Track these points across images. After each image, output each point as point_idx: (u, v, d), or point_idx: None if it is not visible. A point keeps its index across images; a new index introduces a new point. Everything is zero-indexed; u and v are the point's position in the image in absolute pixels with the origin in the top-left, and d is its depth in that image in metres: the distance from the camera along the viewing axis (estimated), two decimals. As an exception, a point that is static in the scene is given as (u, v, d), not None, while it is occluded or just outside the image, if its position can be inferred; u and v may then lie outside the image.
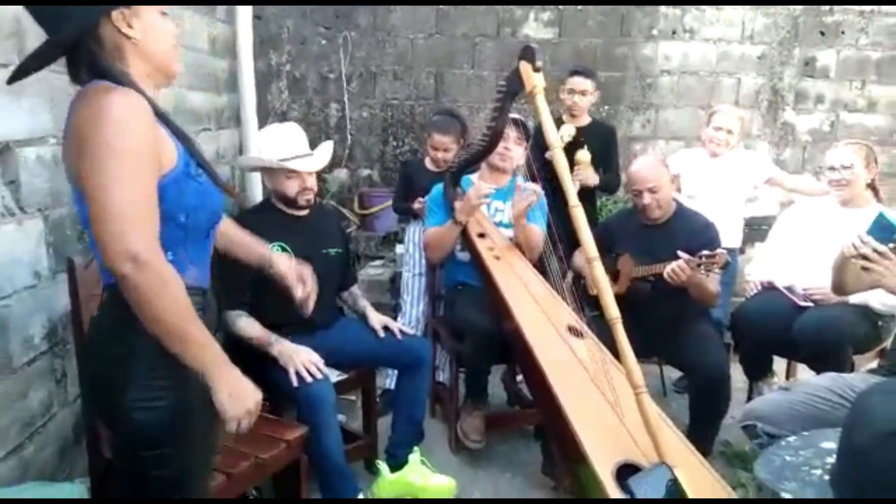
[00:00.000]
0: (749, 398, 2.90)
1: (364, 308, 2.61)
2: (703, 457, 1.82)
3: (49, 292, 1.91)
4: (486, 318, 2.50)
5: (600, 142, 3.40)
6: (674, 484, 1.55)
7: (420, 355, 2.51)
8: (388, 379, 3.08)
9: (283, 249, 2.36)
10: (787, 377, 3.03)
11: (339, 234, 2.66)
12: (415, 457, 2.35)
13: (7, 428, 1.75)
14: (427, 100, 4.52)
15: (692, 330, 2.64)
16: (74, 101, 1.21)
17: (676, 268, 2.43)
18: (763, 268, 3.08)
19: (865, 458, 0.93)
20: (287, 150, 2.38)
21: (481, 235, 2.70)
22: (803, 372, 2.90)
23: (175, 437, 1.28)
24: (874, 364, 2.69)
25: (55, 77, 1.64)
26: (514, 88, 2.26)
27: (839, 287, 2.27)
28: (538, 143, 2.89)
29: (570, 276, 2.96)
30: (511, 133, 2.67)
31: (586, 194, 3.17)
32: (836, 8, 4.49)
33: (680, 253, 2.44)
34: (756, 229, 3.71)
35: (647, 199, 2.64)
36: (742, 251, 3.63)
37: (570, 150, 3.15)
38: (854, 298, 2.48)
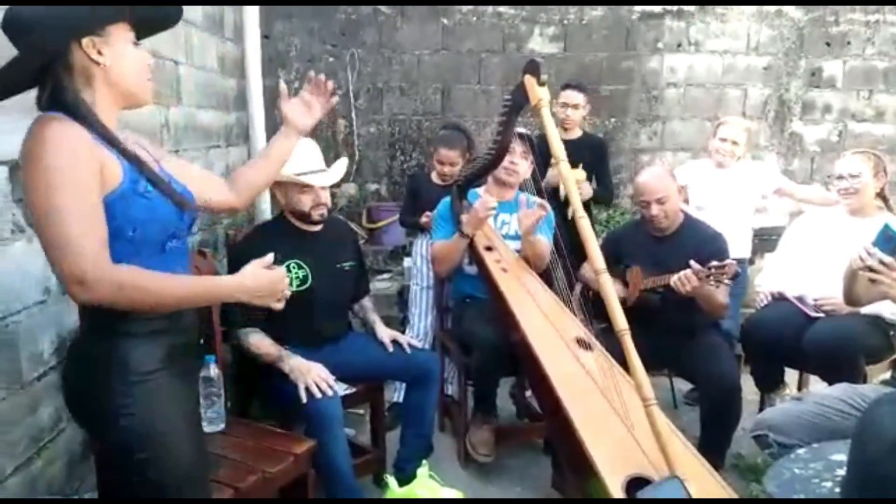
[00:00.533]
0: (760, 410, 2.87)
1: (373, 322, 2.61)
2: (714, 470, 1.80)
3: (58, 308, 1.92)
4: (494, 331, 2.50)
5: (592, 155, 3.42)
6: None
7: (428, 369, 2.51)
8: (396, 392, 3.07)
9: (299, 267, 2.37)
10: (799, 388, 3.00)
11: (353, 246, 2.66)
12: (423, 471, 2.34)
13: (16, 442, 1.76)
14: (434, 115, 4.55)
15: (702, 341, 2.62)
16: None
17: (683, 276, 2.41)
18: (773, 278, 3.06)
19: (874, 469, 0.92)
20: (302, 165, 2.38)
21: (488, 248, 2.70)
22: (815, 383, 2.87)
23: (158, 441, 1.31)
24: (887, 375, 2.66)
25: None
26: (519, 102, 2.27)
27: (851, 299, 2.25)
28: (542, 154, 2.90)
29: (578, 287, 2.95)
30: (517, 147, 2.68)
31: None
32: (841, 18, 4.50)
33: (691, 263, 2.42)
34: (765, 240, 3.69)
35: (655, 210, 2.64)
36: (751, 262, 3.61)
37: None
38: (866, 308, 2.46)
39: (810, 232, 2.95)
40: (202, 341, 1.58)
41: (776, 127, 4.64)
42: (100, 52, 1.29)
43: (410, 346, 2.52)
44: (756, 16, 4.50)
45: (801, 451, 1.37)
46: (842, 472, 1.14)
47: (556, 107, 3.41)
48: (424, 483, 2.31)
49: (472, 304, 2.80)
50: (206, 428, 2.03)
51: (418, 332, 3.21)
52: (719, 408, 2.52)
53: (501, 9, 4.45)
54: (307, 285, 2.37)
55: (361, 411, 2.89)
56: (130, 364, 1.31)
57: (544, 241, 2.68)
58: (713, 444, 2.49)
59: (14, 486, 1.73)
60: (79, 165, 1.22)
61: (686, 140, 4.64)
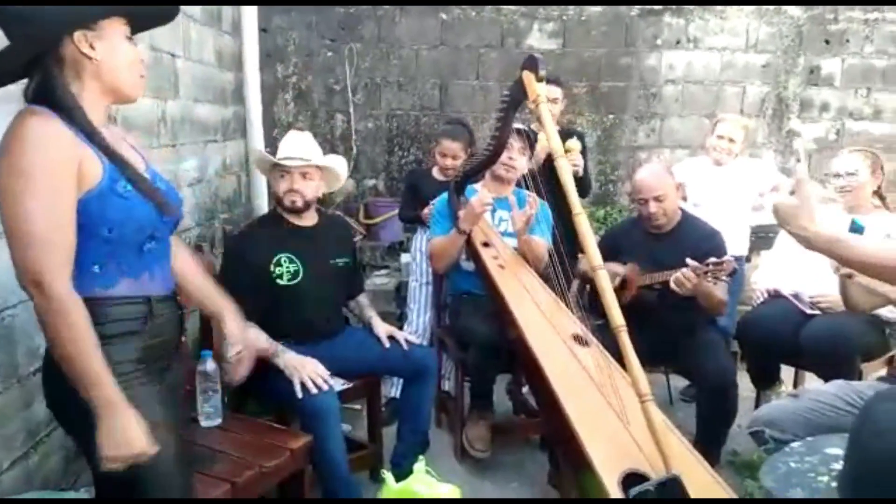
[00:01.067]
0: (756, 406, 2.88)
1: (370, 318, 2.61)
2: (710, 466, 1.81)
3: (55, 302, 1.91)
4: (491, 328, 2.50)
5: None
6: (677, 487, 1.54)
7: (425, 364, 2.51)
8: (393, 388, 3.07)
9: (291, 261, 2.37)
10: (795, 385, 3.01)
11: (347, 243, 2.66)
12: (420, 466, 2.34)
13: (12, 437, 1.76)
14: (432, 110, 4.54)
15: (699, 338, 2.63)
16: None
17: (681, 276, 2.41)
18: (769, 276, 3.06)
19: (873, 466, 0.92)
20: (287, 151, 2.39)
21: (485, 244, 2.70)
22: (811, 380, 2.87)
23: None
24: (882, 372, 2.66)
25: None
26: (517, 98, 2.27)
27: (850, 306, 2.27)
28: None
29: (575, 284, 2.96)
30: (515, 143, 2.68)
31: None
32: (840, 16, 4.50)
33: (688, 260, 2.42)
34: (762, 237, 3.69)
35: (653, 207, 2.64)
36: (748, 259, 3.62)
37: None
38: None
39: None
40: (182, 339, 1.56)
41: (774, 125, 4.64)
42: (92, 47, 1.28)
43: (407, 341, 2.53)
44: (755, 13, 4.49)
45: (795, 444, 1.37)
46: (837, 465, 1.14)
47: None
48: (421, 478, 2.32)
49: (470, 300, 2.80)
50: (203, 423, 2.04)
51: (416, 327, 3.21)
52: (715, 404, 2.52)
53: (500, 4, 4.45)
54: (298, 279, 2.37)
55: (358, 406, 2.89)
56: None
57: (542, 242, 2.68)
58: (709, 441, 2.50)
59: (10, 481, 1.74)
60: (54, 166, 1.21)
61: (684, 137, 4.64)
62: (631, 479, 1.67)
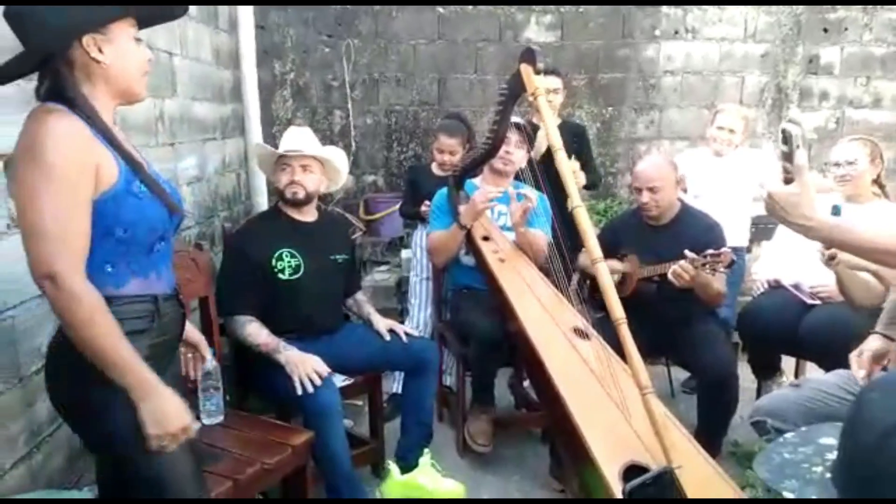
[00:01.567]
0: (758, 397, 2.88)
1: (369, 314, 2.62)
2: (711, 457, 1.81)
3: (56, 302, 1.92)
4: (492, 322, 2.50)
5: (572, 141, 3.41)
6: (671, 479, 1.54)
7: (426, 357, 2.51)
8: (394, 383, 3.08)
9: (292, 255, 2.37)
10: (796, 376, 3.00)
11: (347, 240, 2.66)
12: (425, 459, 2.34)
13: (15, 437, 1.76)
14: (430, 105, 4.53)
15: (699, 329, 2.63)
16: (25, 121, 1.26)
17: (679, 269, 2.41)
18: (770, 266, 3.06)
19: (867, 456, 0.92)
20: (288, 145, 2.40)
21: (485, 239, 2.70)
22: (812, 370, 2.87)
23: (140, 440, 1.30)
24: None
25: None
26: (515, 91, 2.27)
27: (852, 302, 2.27)
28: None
29: (575, 277, 2.96)
30: (513, 136, 2.67)
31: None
32: (838, 5, 4.48)
33: (686, 252, 2.42)
34: (763, 228, 3.69)
35: (645, 197, 2.64)
36: (749, 250, 3.61)
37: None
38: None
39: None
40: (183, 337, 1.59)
41: (774, 114, 4.64)
42: (100, 50, 1.29)
43: (408, 335, 2.53)
44: (753, 3, 4.48)
45: (789, 435, 1.37)
46: (831, 455, 1.14)
47: None
48: (426, 471, 2.32)
49: (470, 294, 2.80)
50: (206, 420, 2.05)
51: (417, 322, 3.21)
52: (716, 395, 2.53)
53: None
54: (299, 274, 2.38)
55: (360, 402, 2.90)
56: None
57: (540, 235, 2.68)
58: (710, 432, 2.50)
59: (14, 481, 1.74)
60: (72, 163, 1.22)
61: (683, 128, 4.63)
62: (632, 471, 1.67)
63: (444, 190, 2.84)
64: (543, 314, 2.34)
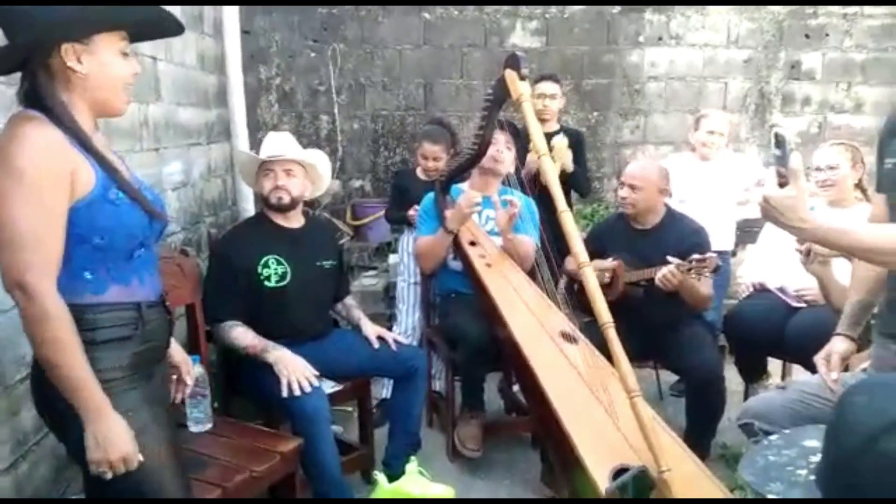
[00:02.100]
0: (746, 399, 2.90)
1: (358, 319, 2.61)
2: (700, 459, 1.82)
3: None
4: (480, 326, 2.50)
5: (570, 145, 3.43)
6: (643, 476, 1.56)
7: (414, 365, 2.51)
8: (384, 389, 3.07)
9: (278, 263, 2.36)
10: (783, 377, 3.03)
11: (334, 245, 2.66)
12: (412, 466, 2.34)
13: (0, 446, 1.74)
14: (417, 110, 4.54)
15: (686, 333, 2.65)
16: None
17: (668, 273, 2.43)
18: (755, 270, 3.09)
19: (851, 460, 0.93)
20: (269, 151, 2.39)
21: (472, 244, 2.71)
22: (798, 372, 2.90)
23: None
24: (868, 363, 2.69)
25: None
26: (500, 97, 2.28)
27: (832, 304, 2.29)
28: (524, 148, 2.93)
29: (562, 281, 2.97)
30: (502, 137, 2.68)
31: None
32: (820, 11, 4.55)
33: (669, 258, 2.45)
34: (747, 232, 3.73)
35: (625, 192, 2.70)
36: (734, 254, 3.64)
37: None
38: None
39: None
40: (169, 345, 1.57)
41: (757, 119, 4.69)
42: (79, 61, 1.27)
43: (396, 342, 2.52)
44: (736, 9, 4.53)
45: (773, 437, 1.37)
46: (816, 458, 1.15)
47: (532, 99, 3.41)
48: (414, 479, 2.32)
49: (458, 299, 2.80)
50: (193, 428, 2.03)
51: (406, 327, 3.21)
52: (703, 398, 2.55)
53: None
54: (286, 282, 2.37)
55: (349, 408, 2.89)
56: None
57: (527, 241, 2.68)
58: (698, 434, 2.52)
59: (0, 491, 1.72)
60: (44, 170, 1.21)
61: (668, 133, 4.67)
62: (621, 474, 1.68)
63: (431, 195, 2.85)
64: (531, 318, 2.34)
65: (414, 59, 4.49)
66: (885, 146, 1.72)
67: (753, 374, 3.01)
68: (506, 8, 4.46)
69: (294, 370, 2.18)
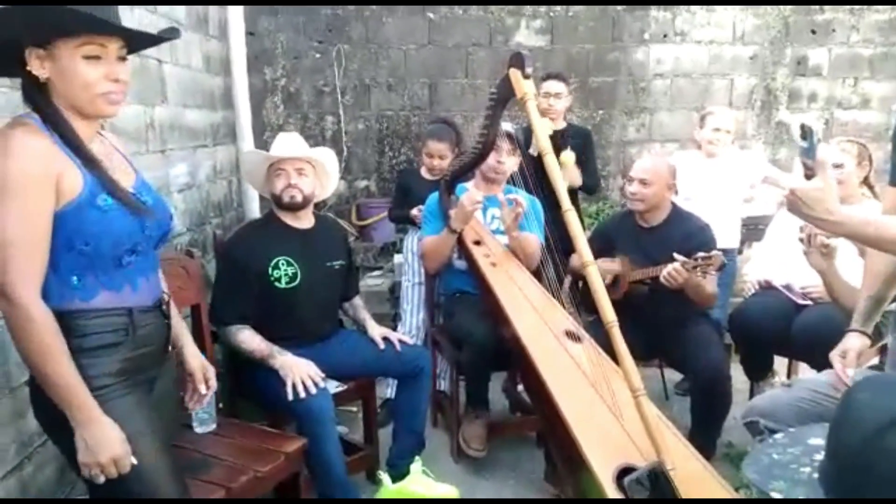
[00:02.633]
0: (751, 398, 2.89)
1: (364, 320, 2.61)
2: (705, 459, 1.82)
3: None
4: (485, 326, 2.50)
5: (577, 145, 3.43)
6: (661, 475, 1.55)
7: (419, 365, 2.50)
8: (388, 389, 3.07)
9: (289, 264, 2.36)
10: (789, 375, 3.02)
11: (343, 245, 2.65)
12: (416, 467, 2.34)
13: (5, 448, 1.75)
14: (422, 110, 4.54)
15: (691, 331, 2.64)
16: None
17: (673, 271, 2.42)
18: (761, 267, 3.07)
19: (853, 456, 0.92)
20: (280, 151, 2.40)
21: (477, 243, 2.70)
22: (804, 371, 2.89)
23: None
24: (875, 360, 2.67)
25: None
26: (504, 96, 2.28)
27: (836, 302, 2.27)
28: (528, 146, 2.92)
29: (567, 280, 2.96)
30: (504, 145, 2.68)
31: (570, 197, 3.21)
32: (826, 7, 4.52)
33: (675, 255, 2.44)
34: (753, 229, 3.71)
35: (634, 187, 2.68)
36: (740, 251, 3.63)
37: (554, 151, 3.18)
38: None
39: (797, 220, 2.96)
40: (171, 347, 1.56)
41: (763, 116, 4.66)
42: (42, 67, 1.26)
43: (401, 342, 2.52)
44: (741, 6, 4.50)
45: (778, 436, 1.37)
46: (820, 456, 1.14)
47: (538, 98, 3.41)
48: (418, 479, 2.32)
49: (463, 299, 2.80)
50: (198, 429, 2.04)
51: (410, 327, 3.21)
52: (709, 397, 2.53)
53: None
54: (296, 283, 2.37)
55: (354, 409, 2.89)
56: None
57: (532, 238, 2.68)
58: (703, 433, 2.51)
59: (5, 492, 1.73)
60: (29, 175, 1.21)
61: (673, 131, 4.65)
62: (626, 473, 1.68)
63: (436, 194, 2.85)
64: (535, 318, 2.34)
65: (419, 59, 4.49)
66: None
67: (759, 372, 2.99)
68: (510, 7, 4.46)
69: (299, 372, 2.18)
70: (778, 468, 1.21)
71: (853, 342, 1.93)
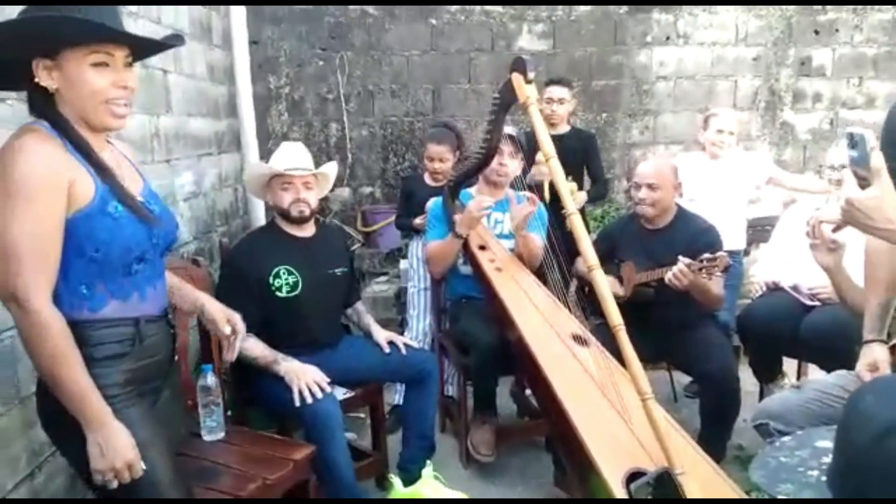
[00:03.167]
0: (760, 400, 2.87)
1: (368, 325, 2.61)
2: (715, 462, 1.80)
3: (54, 321, 1.91)
4: (491, 331, 2.50)
5: (581, 148, 3.44)
6: (670, 479, 1.54)
7: (426, 369, 2.51)
8: (396, 395, 3.07)
9: (290, 273, 2.37)
10: (798, 377, 3.00)
11: (345, 252, 2.66)
12: (428, 471, 2.33)
13: (17, 457, 1.76)
14: (425, 115, 4.55)
15: (699, 334, 2.63)
16: None
17: (678, 272, 2.41)
18: (768, 268, 3.06)
19: (861, 458, 0.92)
20: (286, 163, 2.39)
21: (482, 248, 2.70)
22: (814, 372, 2.87)
23: None
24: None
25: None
26: (507, 100, 2.28)
27: (845, 303, 2.26)
28: (532, 151, 2.92)
29: (573, 284, 2.96)
30: (506, 148, 2.68)
31: None
32: (829, 7, 4.51)
33: (680, 257, 2.43)
34: (759, 230, 3.70)
35: (643, 193, 2.66)
36: (747, 253, 3.62)
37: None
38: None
39: (803, 221, 2.95)
40: (176, 357, 1.57)
41: (767, 117, 4.65)
42: (49, 77, 1.27)
43: (407, 346, 2.52)
44: (744, 7, 4.50)
45: (786, 438, 1.36)
46: (827, 459, 1.14)
47: (541, 103, 3.41)
48: (429, 483, 2.31)
49: (469, 304, 2.80)
50: (206, 437, 2.04)
51: (417, 333, 3.21)
52: (718, 400, 2.52)
53: (489, 7, 4.46)
54: (297, 291, 2.37)
55: (362, 415, 2.89)
56: None
57: (537, 239, 2.68)
58: (713, 436, 2.49)
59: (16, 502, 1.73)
60: (41, 182, 1.21)
61: (677, 133, 4.64)
62: (635, 478, 1.67)
63: (439, 199, 2.85)
64: (542, 322, 2.33)
65: (421, 65, 4.50)
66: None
67: (768, 374, 2.97)
68: (512, 11, 4.46)
69: (304, 377, 2.18)
70: (785, 471, 1.20)
71: (880, 354, 1.85)
